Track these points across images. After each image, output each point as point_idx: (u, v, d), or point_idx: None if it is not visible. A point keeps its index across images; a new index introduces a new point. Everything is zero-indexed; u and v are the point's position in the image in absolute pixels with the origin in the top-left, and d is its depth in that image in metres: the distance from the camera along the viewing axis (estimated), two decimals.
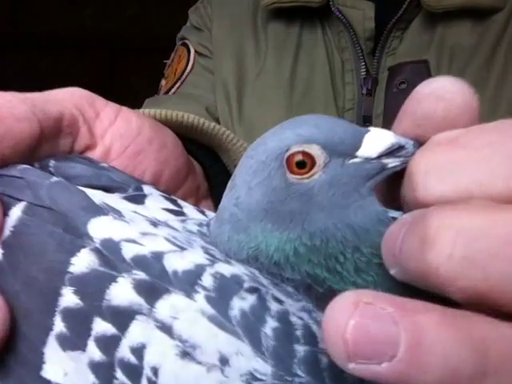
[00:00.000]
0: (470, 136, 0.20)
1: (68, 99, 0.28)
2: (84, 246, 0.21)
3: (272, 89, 0.66)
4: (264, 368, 0.18)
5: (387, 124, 0.61)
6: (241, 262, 0.22)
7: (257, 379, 0.18)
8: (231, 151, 0.37)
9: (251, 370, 0.18)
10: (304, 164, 0.22)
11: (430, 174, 0.20)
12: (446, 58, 0.61)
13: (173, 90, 0.69)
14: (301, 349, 0.19)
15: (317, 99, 0.64)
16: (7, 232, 0.21)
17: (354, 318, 0.18)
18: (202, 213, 0.27)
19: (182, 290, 0.20)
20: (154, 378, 0.18)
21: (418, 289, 0.19)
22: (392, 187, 0.23)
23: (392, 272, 0.20)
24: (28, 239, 0.21)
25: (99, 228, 0.21)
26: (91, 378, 0.19)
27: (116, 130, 0.30)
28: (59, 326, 0.20)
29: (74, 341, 0.19)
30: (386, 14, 0.62)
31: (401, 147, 0.22)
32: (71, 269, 0.20)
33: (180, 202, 0.27)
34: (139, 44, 2.81)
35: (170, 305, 0.19)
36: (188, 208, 0.27)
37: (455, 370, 0.17)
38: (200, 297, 0.20)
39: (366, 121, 0.62)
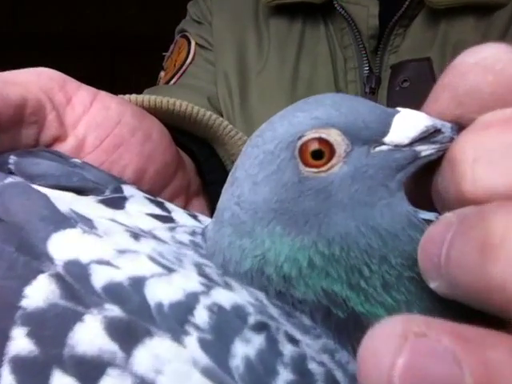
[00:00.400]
0: None
1: (33, 81, 0.23)
2: (42, 271, 0.16)
3: (274, 86, 0.65)
4: None
5: None
6: (243, 279, 0.18)
7: None
8: (228, 144, 0.32)
9: None
10: (321, 154, 0.18)
11: (480, 161, 0.16)
12: (450, 55, 0.60)
13: (173, 81, 0.66)
14: None
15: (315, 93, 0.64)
16: None
17: (403, 356, 0.13)
18: (195, 218, 0.23)
19: (168, 330, 0.15)
20: None
21: (460, 307, 0.16)
22: (418, 181, 0.19)
23: (433, 286, 0.16)
24: None
25: (63, 246, 0.16)
26: None
27: (91, 118, 0.24)
28: (7, 379, 0.14)
29: None
30: (389, 11, 0.62)
31: (437, 131, 0.18)
32: (24, 302, 0.15)
33: (168, 205, 0.23)
34: (139, 44, 2.81)
35: (153, 353, 0.14)
36: (177, 212, 0.22)
37: None
38: (192, 340, 0.15)
39: None
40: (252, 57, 0.67)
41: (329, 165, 0.18)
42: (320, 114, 0.18)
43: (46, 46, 2.82)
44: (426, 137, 0.18)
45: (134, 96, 0.30)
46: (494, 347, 0.14)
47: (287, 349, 0.15)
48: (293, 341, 0.16)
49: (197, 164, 0.32)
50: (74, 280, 0.15)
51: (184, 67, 0.70)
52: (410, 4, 0.62)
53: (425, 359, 0.13)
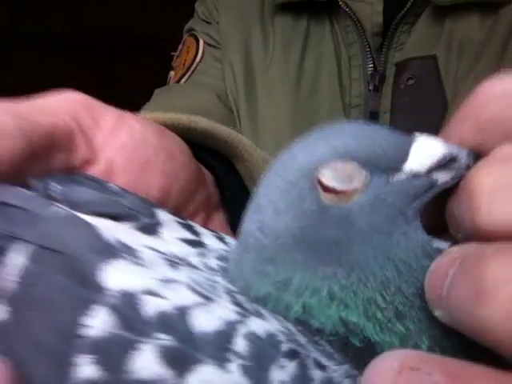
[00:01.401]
0: None
1: (62, 107, 0.25)
2: (96, 302, 0.17)
3: (279, 84, 0.65)
4: None
5: (394, 121, 0.60)
6: (261, 304, 0.19)
7: None
8: (248, 161, 0.33)
9: None
10: None
11: (497, 194, 0.16)
12: (455, 53, 0.59)
13: (183, 80, 0.67)
14: None
15: (323, 95, 0.63)
16: (13, 284, 0.17)
17: None
18: (222, 240, 0.24)
19: (213, 358, 0.16)
20: None
21: (466, 336, 0.17)
22: (434, 204, 0.19)
23: (436, 314, 0.17)
24: (34, 294, 0.17)
25: (113, 276, 0.17)
26: None
27: (118, 140, 0.25)
28: None
29: None
30: (393, 8, 0.61)
31: (453, 159, 0.19)
32: (83, 332, 0.16)
33: (197, 228, 0.24)
34: (139, 44, 2.81)
35: (203, 379, 0.15)
36: (206, 236, 0.23)
37: None
38: (234, 367, 0.16)
39: (373, 117, 0.60)
40: (257, 55, 0.67)
41: (350, 195, 0.18)
42: (340, 144, 0.19)
43: (46, 46, 2.82)
44: (443, 164, 0.19)
45: (155, 114, 0.31)
46: (480, 381, 0.15)
47: (317, 374, 0.17)
48: (321, 367, 0.17)
49: (215, 177, 0.33)
50: (128, 310, 0.17)
51: (194, 66, 0.69)
52: (415, 1, 0.61)
53: None
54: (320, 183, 0.18)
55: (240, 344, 0.16)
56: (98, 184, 0.23)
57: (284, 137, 0.62)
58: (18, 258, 0.17)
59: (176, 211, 0.26)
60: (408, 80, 0.59)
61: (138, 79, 3.08)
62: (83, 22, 2.80)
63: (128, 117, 0.27)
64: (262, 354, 0.16)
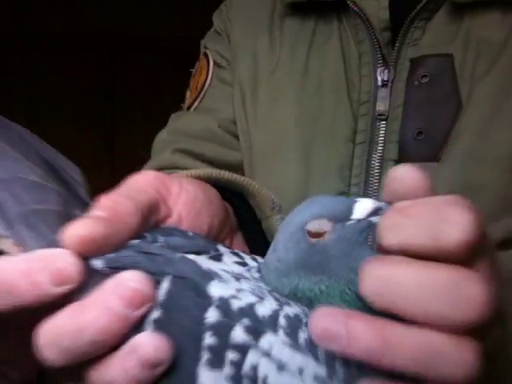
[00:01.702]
0: (413, 207, 0.29)
1: (149, 185, 0.37)
2: (210, 304, 0.31)
3: (285, 86, 0.65)
4: (320, 369, 0.30)
5: (407, 117, 0.57)
6: (288, 298, 0.33)
7: (318, 378, 0.29)
8: (257, 197, 0.47)
9: (314, 373, 0.29)
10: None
11: (386, 229, 0.30)
12: (473, 52, 0.58)
13: (195, 105, 0.73)
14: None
15: (327, 94, 0.63)
16: (162, 297, 0.31)
17: (322, 322, 0.29)
18: (255, 259, 0.37)
19: (271, 329, 0.30)
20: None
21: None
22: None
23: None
24: (176, 302, 0.31)
25: (214, 290, 0.31)
26: None
27: (182, 200, 0.38)
28: (205, 357, 0.29)
29: (215, 365, 0.29)
30: (408, 3, 0.60)
31: (379, 208, 0.33)
32: (207, 321, 0.30)
33: (240, 253, 0.37)
34: (139, 44, 2.81)
35: (267, 340, 0.30)
36: (247, 258, 0.37)
37: (367, 349, 0.28)
38: (281, 333, 0.30)
39: (381, 114, 0.59)
40: (264, 59, 0.67)
41: (324, 236, 0.33)
42: (315, 211, 0.33)
43: (46, 46, 2.83)
44: (374, 212, 0.33)
45: (193, 172, 0.45)
46: (355, 318, 0.29)
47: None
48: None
49: (233, 207, 0.47)
50: (224, 307, 0.31)
51: (203, 91, 0.74)
52: None
53: (328, 321, 0.29)
54: (308, 232, 0.33)
55: (282, 321, 0.30)
56: (180, 232, 0.36)
57: (290, 137, 0.62)
58: (165, 284, 0.31)
59: (216, 238, 0.40)
60: (422, 77, 0.58)
61: (137, 79, 3.08)
62: (83, 22, 2.81)
63: (184, 182, 0.40)
64: (294, 326, 0.30)
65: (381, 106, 0.60)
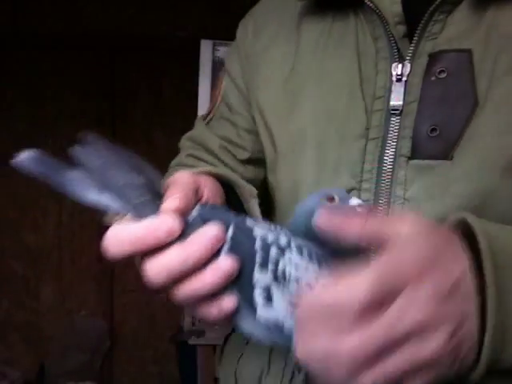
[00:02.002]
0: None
1: (189, 180, 0.53)
2: (256, 238, 0.48)
3: (302, 87, 0.65)
4: (314, 266, 0.47)
5: (422, 113, 0.57)
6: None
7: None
8: (241, 188, 0.62)
9: (312, 269, 0.48)
10: (333, 199, 0.52)
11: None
12: (494, 48, 0.55)
13: (208, 119, 0.80)
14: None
15: (341, 91, 0.62)
16: (230, 236, 0.48)
17: None
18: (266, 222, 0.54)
19: (288, 249, 0.48)
20: (286, 268, 0.47)
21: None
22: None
23: None
24: (238, 238, 0.48)
25: (257, 231, 0.49)
26: (269, 276, 0.47)
27: (207, 188, 0.54)
28: (256, 265, 0.47)
29: (262, 270, 0.47)
30: None
31: (360, 205, 0.52)
32: (255, 247, 0.48)
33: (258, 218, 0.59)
34: (139, 44, 2.81)
35: (288, 255, 0.48)
36: (262, 220, 0.57)
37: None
38: (294, 251, 0.48)
39: (395, 109, 0.58)
40: (283, 62, 0.68)
41: (334, 202, 0.50)
42: (328, 191, 0.52)
43: (46, 46, 2.83)
44: (359, 205, 0.50)
45: (200, 169, 0.61)
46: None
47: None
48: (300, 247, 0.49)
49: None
50: (264, 239, 0.49)
51: (214, 109, 0.79)
52: None
53: None
54: (328, 196, 0.51)
55: (292, 245, 0.48)
56: (214, 205, 0.54)
57: (306, 136, 0.63)
58: (231, 228, 0.48)
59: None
60: (440, 73, 0.57)
61: (137, 79, 3.09)
62: (83, 22, 2.81)
63: (203, 178, 0.56)
64: (299, 246, 0.49)
65: (395, 101, 0.59)
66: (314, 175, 0.62)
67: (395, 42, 0.60)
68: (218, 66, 1.90)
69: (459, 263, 0.40)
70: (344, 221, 0.44)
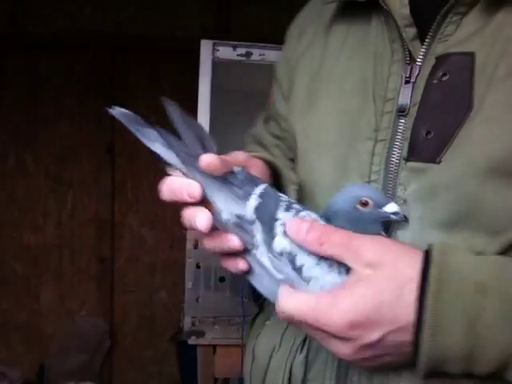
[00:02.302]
0: None
1: (242, 155, 0.62)
2: (281, 200, 0.57)
3: (324, 89, 0.67)
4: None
5: (420, 115, 0.58)
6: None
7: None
8: (283, 173, 0.68)
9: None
10: (367, 203, 0.55)
11: None
12: (497, 52, 0.55)
13: (264, 117, 0.85)
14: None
15: (355, 93, 0.63)
16: (259, 193, 0.56)
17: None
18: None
19: (305, 211, 0.57)
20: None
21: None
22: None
23: None
24: (267, 196, 0.57)
25: (282, 195, 0.58)
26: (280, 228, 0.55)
27: (255, 166, 0.63)
28: (283, 206, 0.56)
29: (287, 210, 0.56)
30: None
31: (396, 213, 0.56)
32: (280, 204, 0.57)
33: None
34: (139, 44, 2.81)
35: (303, 213, 0.56)
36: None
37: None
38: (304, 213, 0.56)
39: (402, 111, 0.59)
40: (308, 68, 0.71)
41: (366, 208, 0.55)
42: (369, 192, 0.57)
43: (46, 46, 2.83)
44: (394, 214, 0.55)
45: (255, 154, 0.69)
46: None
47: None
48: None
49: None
50: (288, 202, 0.58)
51: (269, 108, 0.83)
52: None
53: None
54: (360, 201, 0.55)
55: (305, 212, 0.57)
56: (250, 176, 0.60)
57: (323, 138, 0.65)
58: (261, 186, 0.57)
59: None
60: (443, 75, 0.56)
61: (137, 79, 3.09)
62: (83, 22, 2.81)
63: (253, 162, 0.64)
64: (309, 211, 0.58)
65: (402, 103, 0.59)
66: (329, 174, 0.64)
67: (406, 44, 0.60)
68: (217, 66, 1.89)
69: (407, 305, 0.49)
70: (307, 237, 0.53)
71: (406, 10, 0.60)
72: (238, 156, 0.61)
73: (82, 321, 2.83)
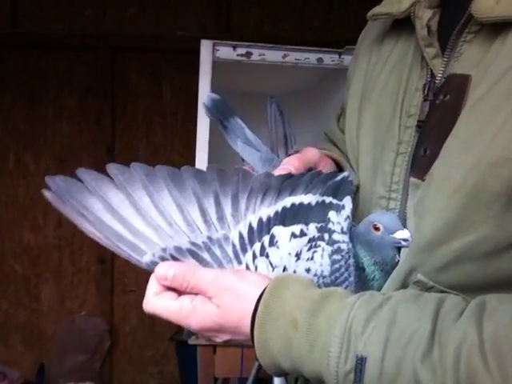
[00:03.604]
0: None
1: (315, 153, 0.69)
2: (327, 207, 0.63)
3: (368, 100, 0.71)
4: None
5: (423, 133, 0.62)
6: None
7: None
8: (345, 168, 0.73)
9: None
10: (378, 228, 0.60)
11: None
12: (485, 73, 0.55)
13: (338, 114, 0.88)
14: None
15: (389, 106, 0.67)
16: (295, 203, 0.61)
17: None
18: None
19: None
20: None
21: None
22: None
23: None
24: (298, 207, 0.61)
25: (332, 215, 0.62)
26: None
27: (324, 163, 0.70)
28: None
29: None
30: (455, 17, 0.59)
31: (406, 239, 0.58)
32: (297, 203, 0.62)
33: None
34: (139, 44, 2.81)
35: (331, 239, 0.60)
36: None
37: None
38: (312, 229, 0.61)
39: (420, 126, 0.62)
40: (363, 76, 0.74)
41: (378, 232, 0.60)
42: (382, 218, 0.61)
43: (46, 46, 2.83)
44: (405, 240, 0.58)
45: (327, 152, 0.76)
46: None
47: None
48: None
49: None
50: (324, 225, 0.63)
51: (343, 105, 0.85)
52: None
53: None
54: (373, 225, 0.60)
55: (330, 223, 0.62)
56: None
57: (362, 147, 0.70)
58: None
59: None
60: (445, 96, 0.59)
61: (137, 79, 3.09)
62: (83, 22, 2.81)
63: (324, 160, 0.72)
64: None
65: (421, 119, 0.62)
66: (365, 180, 0.69)
67: (427, 63, 0.62)
68: (217, 66, 1.89)
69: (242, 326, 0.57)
70: (171, 283, 0.60)
71: (425, 32, 0.62)
72: (309, 155, 0.69)
73: (81, 321, 2.83)
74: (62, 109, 2.83)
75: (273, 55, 1.91)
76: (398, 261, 0.59)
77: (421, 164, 0.60)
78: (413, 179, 0.60)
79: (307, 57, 1.94)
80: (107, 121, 2.80)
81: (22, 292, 2.85)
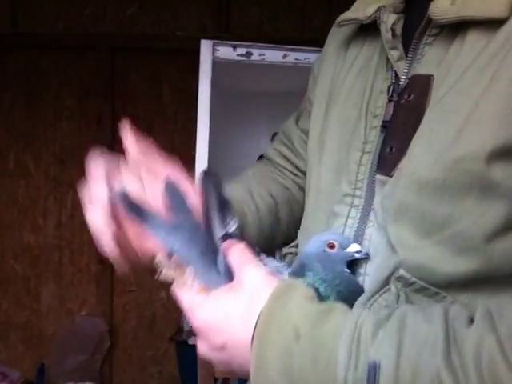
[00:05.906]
0: None
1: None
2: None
3: (335, 104, 0.72)
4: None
5: (389, 132, 0.62)
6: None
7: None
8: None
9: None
10: (333, 246, 0.63)
11: None
12: (449, 77, 0.55)
13: (297, 112, 0.90)
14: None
15: (355, 107, 0.68)
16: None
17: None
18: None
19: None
20: None
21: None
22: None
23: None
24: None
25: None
26: None
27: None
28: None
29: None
30: (417, 21, 0.60)
31: (360, 252, 0.62)
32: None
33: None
34: (139, 44, 2.81)
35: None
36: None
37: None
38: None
39: (384, 126, 0.63)
40: (329, 78, 0.76)
41: (333, 250, 0.63)
42: (335, 236, 0.64)
43: (46, 46, 2.83)
44: (358, 252, 0.62)
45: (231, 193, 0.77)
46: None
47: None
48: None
49: None
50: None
51: (302, 103, 0.89)
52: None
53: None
54: (328, 243, 0.63)
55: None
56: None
57: (327, 148, 0.70)
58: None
59: None
60: (409, 96, 0.60)
61: (137, 79, 3.09)
62: (83, 22, 2.81)
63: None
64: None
65: (385, 120, 0.64)
66: (328, 179, 0.69)
67: (391, 65, 0.64)
68: (217, 66, 1.89)
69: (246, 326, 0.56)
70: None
71: (389, 35, 0.63)
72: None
73: (82, 321, 2.83)
74: (62, 109, 2.83)
75: (273, 55, 1.91)
76: (350, 274, 0.62)
77: (387, 161, 0.61)
78: (379, 176, 0.62)
79: (307, 57, 1.94)
80: (107, 121, 2.80)
81: (22, 292, 2.85)
